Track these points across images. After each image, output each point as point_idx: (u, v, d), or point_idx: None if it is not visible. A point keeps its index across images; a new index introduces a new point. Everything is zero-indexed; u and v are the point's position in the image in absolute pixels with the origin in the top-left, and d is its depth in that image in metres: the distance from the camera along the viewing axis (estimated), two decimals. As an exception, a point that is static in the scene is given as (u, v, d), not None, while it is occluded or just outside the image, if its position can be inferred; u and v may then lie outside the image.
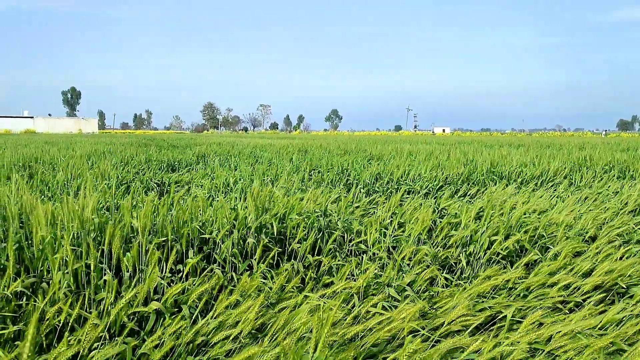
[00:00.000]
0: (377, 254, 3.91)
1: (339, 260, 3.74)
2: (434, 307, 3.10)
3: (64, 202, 3.29)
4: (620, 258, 3.77)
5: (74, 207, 3.12)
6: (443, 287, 3.51)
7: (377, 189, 7.08)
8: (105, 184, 6.12)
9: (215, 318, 2.45)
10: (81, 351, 2.05)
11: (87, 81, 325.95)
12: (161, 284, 2.84)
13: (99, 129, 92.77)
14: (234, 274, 3.32)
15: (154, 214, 3.77)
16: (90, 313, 2.47)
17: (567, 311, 3.11)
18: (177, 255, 3.40)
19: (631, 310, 2.86)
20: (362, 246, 4.04)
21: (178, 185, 7.04)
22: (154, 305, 2.46)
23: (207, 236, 3.63)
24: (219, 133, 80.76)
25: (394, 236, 4.26)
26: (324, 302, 2.72)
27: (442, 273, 3.70)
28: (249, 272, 3.33)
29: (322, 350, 1.58)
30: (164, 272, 3.08)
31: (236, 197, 5.52)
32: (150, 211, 3.39)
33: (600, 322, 2.67)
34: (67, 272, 2.68)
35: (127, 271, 2.79)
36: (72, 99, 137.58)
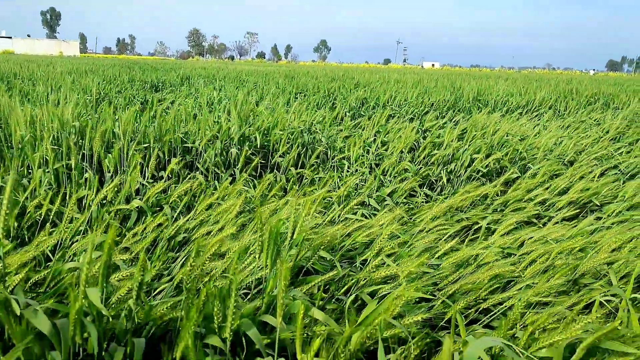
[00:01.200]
0: (359, 170, 3.94)
1: (321, 175, 3.78)
2: (413, 218, 3.16)
3: (43, 106, 3.23)
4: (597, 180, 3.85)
5: (54, 109, 3.07)
6: (423, 203, 3.57)
7: (362, 113, 7.04)
8: (87, 98, 6.00)
9: (196, 218, 2.48)
10: (62, 241, 2.08)
11: (68, 2, 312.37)
12: (143, 185, 2.85)
13: (80, 53, 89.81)
14: (216, 182, 3.33)
15: (136, 123, 3.73)
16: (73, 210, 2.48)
17: (541, 225, 3.20)
18: (160, 162, 3.40)
19: (602, 223, 2.95)
20: (345, 162, 4.07)
21: (161, 103, 6.93)
22: (136, 203, 2.48)
23: (189, 145, 3.62)
24: (204, 60, 78.92)
25: (377, 154, 4.28)
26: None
27: (423, 189, 3.77)
28: (231, 180, 3.35)
29: (299, 234, 1.62)
30: (146, 177, 3.09)
31: (219, 115, 5.47)
32: (133, 117, 3.35)
33: (572, 232, 2.75)
34: (48, 171, 2.66)
35: (109, 172, 2.79)
36: (51, 20, 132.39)
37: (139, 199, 2.70)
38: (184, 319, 1.12)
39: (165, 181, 2.56)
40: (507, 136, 4.64)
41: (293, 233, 1.63)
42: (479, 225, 3.07)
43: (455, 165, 3.98)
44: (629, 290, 1.73)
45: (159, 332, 1.33)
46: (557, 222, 3.05)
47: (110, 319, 1.09)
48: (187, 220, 2.44)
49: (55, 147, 2.82)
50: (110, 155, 2.78)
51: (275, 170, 3.74)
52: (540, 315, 1.39)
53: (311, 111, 5.70)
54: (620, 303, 1.75)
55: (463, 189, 3.51)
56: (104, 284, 1.03)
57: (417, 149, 4.47)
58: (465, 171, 3.91)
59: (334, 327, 1.19)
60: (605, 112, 7.29)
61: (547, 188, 3.58)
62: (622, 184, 3.78)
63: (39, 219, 2.38)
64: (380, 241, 1.86)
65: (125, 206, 2.44)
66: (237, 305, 1.09)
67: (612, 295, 1.84)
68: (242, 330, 1.16)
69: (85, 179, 2.68)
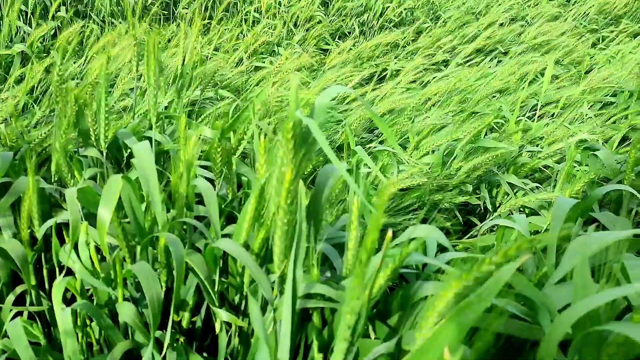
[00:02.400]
0: (271, 22, 3.78)
1: (229, 27, 3.59)
2: (323, 67, 3.13)
3: None
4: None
5: None
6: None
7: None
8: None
9: (88, 63, 2.31)
10: None
11: None
12: (27, 33, 2.60)
13: None
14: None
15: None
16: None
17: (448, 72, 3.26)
18: (47, 11, 3.08)
19: (503, 65, 3.05)
20: (256, 15, 3.88)
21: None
22: (18, 47, 2.26)
23: (80, -7, 3.29)
24: None
25: (289, 6, 4.10)
26: (209, 54, 2.65)
27: (335, 40, 3.70)
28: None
29: (190, 59, 1.54)
30: (32, 27, 2.81)
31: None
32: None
33: (473, 71, 2.83)
34: None
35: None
36: None
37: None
38: (56, 131, 1.06)
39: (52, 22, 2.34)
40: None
41: (183, 61, 1.55)
42: (387, 72, 3.09)
43: (368, 15, 3.90)
44: (514, 115, 1.82)
45: (39, 161, 1.27)
46: (460, 64, 3.12)
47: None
48: (79, 64, 2.27)
49: None
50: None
51: (179, 21, 3.52)
52: (428, 127, 1.44)
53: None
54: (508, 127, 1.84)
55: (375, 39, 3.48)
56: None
57: (330, 3, 4.32)
58: (378, 21, 3.84)
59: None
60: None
61: (456, 36, 3.61)
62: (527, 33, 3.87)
63: None
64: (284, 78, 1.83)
65: (5, 51, 2.23)
66: (109, 112, 1.04)
67: (502, 120, 1.93)
68: (123, 142, 1.12)
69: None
